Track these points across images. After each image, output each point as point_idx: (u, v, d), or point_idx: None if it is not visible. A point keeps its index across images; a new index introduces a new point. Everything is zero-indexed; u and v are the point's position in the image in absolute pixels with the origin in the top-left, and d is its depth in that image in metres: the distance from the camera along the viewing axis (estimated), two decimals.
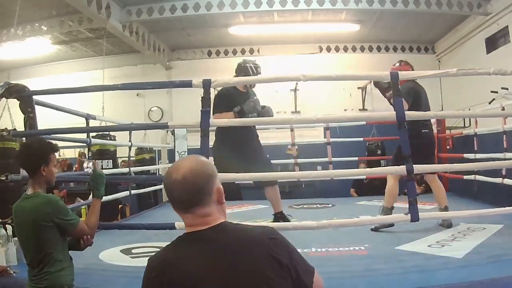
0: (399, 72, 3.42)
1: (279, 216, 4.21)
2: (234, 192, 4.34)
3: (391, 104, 4.00)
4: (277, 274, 1.20)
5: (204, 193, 1.25)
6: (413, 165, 3.17)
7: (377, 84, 4.29)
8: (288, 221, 4.14)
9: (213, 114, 3.94)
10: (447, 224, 4.07)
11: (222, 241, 1.22)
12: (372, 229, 4.01)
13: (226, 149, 4.00)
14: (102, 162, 6.21)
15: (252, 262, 1.19)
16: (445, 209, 4.16)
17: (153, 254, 1.28)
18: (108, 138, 6.26)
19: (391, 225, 3.98)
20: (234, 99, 4.08)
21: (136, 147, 7.33)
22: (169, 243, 1.29)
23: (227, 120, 3.75)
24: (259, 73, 4.30)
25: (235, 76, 4.19)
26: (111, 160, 6.30)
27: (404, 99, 3.86)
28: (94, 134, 5.75)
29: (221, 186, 1.31)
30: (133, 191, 5.81)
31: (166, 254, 1.25)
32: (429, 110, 4.22)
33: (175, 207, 1.28)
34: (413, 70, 4.25)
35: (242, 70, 4.26)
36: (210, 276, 1.17)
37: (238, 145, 4.04)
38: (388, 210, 4.08)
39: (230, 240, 1.23)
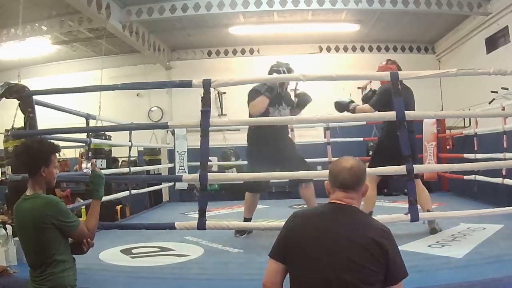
0: (399, 72, 3.41)
1: None
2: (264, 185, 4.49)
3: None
4: (379, 260, 1.56)
5: (359, 183, 1.73)
6: (413, 165, 3.18)
7: (339, 104, 4.45)
8: None
9: (248, 106, 4.10)
10: (438, 229, 3.89)
11: (351, 215, 1.67)
12: None
13: (257, 148, 4.09)
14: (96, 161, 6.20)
15: (365, 242, 1.57)
16: (428, 212, 3.96)
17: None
18: (103, 138, 6.25)
19: None
20: (259, 91, 4.09)
21: (146, 148, 7.37)
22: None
23: (226, 120, 3.75)
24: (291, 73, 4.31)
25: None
26: (105, 160, 6.28)
27: (372, 104, 3.90)
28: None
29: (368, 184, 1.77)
30: (133, 191, 5.80)
31: (310, 209, 1.82)
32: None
33: (335, 184, 1.73)
34: (400, 69, 4.20)
35: (275, 72, 4.29)
36: (327, 234, 1.60)
37: (269, 144, 4.08)
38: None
39: (357, 218, 1.68)
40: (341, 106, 4.37)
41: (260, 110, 4.04)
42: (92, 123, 4.95)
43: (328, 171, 1.85)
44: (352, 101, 4.34)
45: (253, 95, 4.07)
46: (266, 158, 3.97)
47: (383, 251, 1.57)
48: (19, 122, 3.83)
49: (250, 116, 4.10)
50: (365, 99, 4.30)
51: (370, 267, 1.53)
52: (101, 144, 6.25)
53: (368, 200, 4.09)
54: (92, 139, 4.97)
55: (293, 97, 4.48)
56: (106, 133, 6.41)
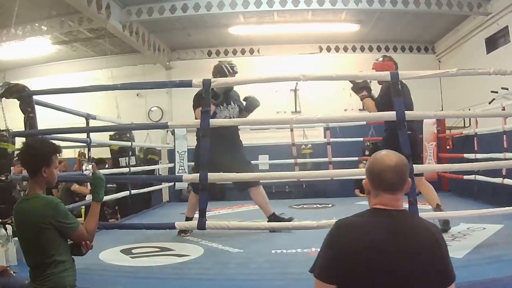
0: (399, 72, 3.41)
1: (272, 219, 4.13)
2: (219, 192, 4.43)
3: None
4: (436, 266, 1.45)
5: (405, 181, 1.53)
6: (413, 165, 3.17)
7: (353, 83, 4.19)
8: (283, 220, 4.11)
9: (194, 112, 4.08)
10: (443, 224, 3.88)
11: (405, 225, 1.48)
12: None
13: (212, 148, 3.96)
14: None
15: (425, 251, 1.44)
16: (438, 207, 3.93)
17: (342, 218, 1.54)
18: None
19: None
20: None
21: (143, 148, 7.36)
22: (359, 212, 1.53)
23: (227, 120, 3.74)
24: (235, 72, 4.35)
25: (212, 77, 4.19)
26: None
27: (376, 103, 3.88)
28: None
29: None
30: (133, 191, 5.80)
31: (355, 218, 1.51)
32: (412, 109, 3.96)
33: (381, 186, 1.52)
34: (396, 66, 4.19)
35: (219, 71, 4.32)
36: (387, 248, 1.40)
37: (220, 145, 3.92)
38: None
39: (412, 227, 1.49)
40: (353, 85, 4.20)
41: (226, 123, 4.01)
42: (92, 123, 4.94)
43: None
44: (365, 87, 4.13)
45: (198, 100, 3.94)
46: (217, 158, 3.77)
47: (442, 253, 1.51)
48: (15, 123, 3.83)
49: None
50: (356, 85, 4.19)
51: (436, 276, 1.44)
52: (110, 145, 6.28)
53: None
54: (92, 139, 4.96)
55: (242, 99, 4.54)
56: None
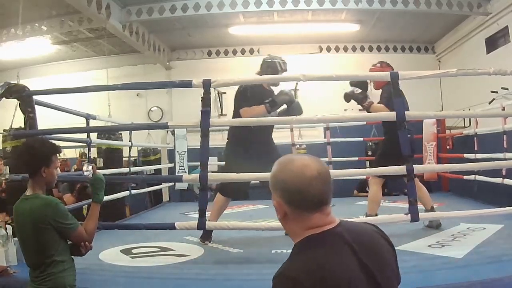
0: (399, 72, 3.41)
1: None
2: (244, 192, 4.20)
3: (368, 111, 4.01)
4: (395, 267, 1.29)
5: (332, 190, 1.20)
6: (413, 165, 3.18)
7: (351, 96, 4.13)
8: None
9: (239, 108, 3.86)
10: (436, 225, 4.02)
11: (354, 239, 1.18)
12: None
13: (241, 149, 3.87)
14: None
15: (385, 257, 1.24)
16: (432, 209, 4.08)
17: (285, 267, 1.14)
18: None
19: None
20: (261, 94, 3.93)
21: (140, 149, 7.36)
22: (295, 249, 1.19)
23: (226, 120, 3.74)
24: (286, 70, 4.09)
25: (259, 72, 4.03)
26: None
27: (385, 104, 3.87)
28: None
29: None
30: (133, 191, 5.80)
31: (304, 262, 1.13)
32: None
33: (307, 205, 1.17)
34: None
35: (269, 66, 4.02)
36: (357, 275, 1.13)
37: (254, 145, 3.89)
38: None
39: (360, 238, 1.20)
40: (353, 98, 4.13)
41: (254, 117, 3.83)
42: (92, 123, 4.94)
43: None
44: (365, 96, 4.09)
45: (251, 99, 3.85)
46: (253, 158, 3.71)
47: (392, 247, 1.32)
48: (18, 122, 3.83)
49: (239, 117, 3.86)
50: (355, 97, 4.18)
51: (396, 274, 1.30)
52: (100, 144, 6.26)
53: (373, 203, 4.10)
54: (93, 139, 4.96)
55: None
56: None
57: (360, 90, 4.07)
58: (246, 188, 4.35)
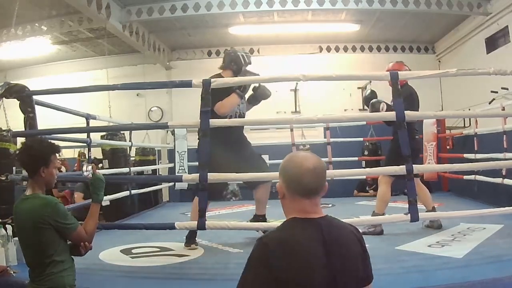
0: (398, 72, 3.41)
1: (261, 220, 3.92)
2: (219, 192, 4.05)
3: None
4: (363, 267, 1.42)
5: (324, 185, 1.45)
6: (413, 165, 3.18)
7: (376, 109, 4.07)
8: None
9: (213, 105, 3.59)
10: (436, 225, 4.04)
11: (330, 231, 1.39)
12: None
13: (218, 148, 3.62)
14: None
15: (351, 255, 1.40)
16: (433, 209, 4.12)
17: (265, 235, 1.42)
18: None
19: (381, 233, 3.93)
20: (227, 87, 3.70)
21: (138, 149, 7.34)
22: (280, 225, 1.43)
23: (226, 120, 3.72)
24: (250, 63, 3.95)
25: (222, 66, 3.94)
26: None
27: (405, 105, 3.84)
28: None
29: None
30: (133, 191, 5.80)
31: (281, 233, 1.40)
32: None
33: (299, 192, 1.42)
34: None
35: (232, 59, 3.88)
36: (317, 260, 1.33)
37: (230, 143, 3.76)
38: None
39: (336, 232, 1.41)
40: (372, 106, 4.10)
41: (231, 109, 3.70)
42: (92, 123, 4.94)
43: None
44: (380, 101, 4.07)
45: (220, 93, 3.58)
46: (229, 157, 3.60)
47: (364, 251, 1.45)
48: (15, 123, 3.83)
49: (214, 115, 3.55)
50: (365, 101, 4.22)
51: (362, 279, 1.42)
52: (104, 145, 6.27)
53: (382, 202, 4.11)
54: (92, 139, 4.96)
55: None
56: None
57: (385, 108, 3.99)
58: (223, 188, 4.21)
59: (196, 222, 3.26)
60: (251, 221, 3.94)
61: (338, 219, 1.49)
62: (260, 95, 4.01)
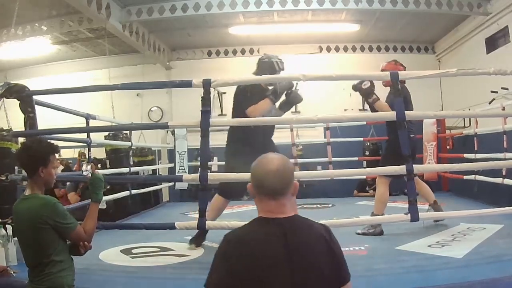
0: (399, 72, 3.41)
1: None
2: (241, 191, 4.07)
3: (373, 108, 3.99)
4: (328, 268, 1.41)
5: (289, 185, 1.47)
6: (413, 165, 3.18)
7: (358, 89, 4.08)
8: None
9: (243, 108, 3.73)
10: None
11: (293, 232, 1.42)
12: (358, 233, 3.95)
13: (241, 150, 3.70)
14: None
15: (313, 256, 1.40)
16: (435, 203, 4.25)
17: (232, 231, 1.51)
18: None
19: (381, 233, 3.94)
20: (261, 91, 3.80)
21: (137, 150, 7.34)
22: (246, 223, 1.49)
23: (227, 120, 3.73)
24: (283, 69, 3.95)
25: (256, 72, 3.94)
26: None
27: (390, 104, 3.84)
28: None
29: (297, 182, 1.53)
30: (133, 191, 5.80)
31: (243, 230, 1.48)
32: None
33: (263, 193, 1.47)
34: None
35: (267, 66, 3.89)
36: (276, 258, 1.38)
37: (254, 146, 3.67)
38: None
39: (299, 233, 1.44)
40: (360, 91, 4.07)
41: (262, 114, 3.72)
42: (92, 123, 4.94)
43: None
44: (372, 91, 4.01)
45: (253, 96, 3.71)
46: (253, 159, 3.62)
47: (335, 256, 1.44)
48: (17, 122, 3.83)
49: (244, 116, 3.71)
50: (363, 90, 4.13)
51: (325, 279, 1.40)
52: (106, 145, 6.29)
53: (380, 203, 4.11)
54: (92, 139, 4.96)
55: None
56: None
57: (368, 84, 3.98)
58: (244, 188, 4.23)
59: (197, 222, 3.27)
60: None
61: (308, 219, 1.50)
62: (292, 99, 4.00)
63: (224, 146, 4.01)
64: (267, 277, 1.36)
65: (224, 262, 1.41)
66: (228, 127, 4.16)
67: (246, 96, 3.76)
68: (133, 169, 6.96)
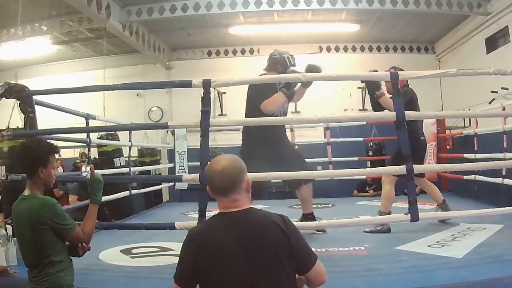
0: (399, 72, 3.41)
1: (310, 218, 3.92)
2: (264, 191, 4.12)
3: (375, 105, 4.01)
4: (286, 254, 1.51)
5: (237, 182, 1.59)
6: (413, 165, 3.18)
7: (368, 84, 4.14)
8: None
9: (256, 105, 3.75)
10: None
11: (247, 222, 1.55)
12: (366, 231, 3.97)
13: (256, 148, 3.78)
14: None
15: (268, 243, 1.51)
16: (444, 202, 4.33)
17: (193, 227, 1.73)
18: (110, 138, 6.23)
19: (388, 231, 3.95)
20: (271, 85, 3.80)
21: (138, 150, 7.35)
22: (207, 220, 1.66)
23: (227, 120, 3.73)
24: (294, 65, 3.99)
25: (267, 68, 3.94)
26: None
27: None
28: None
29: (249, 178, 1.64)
30: (133, 191, 5.80)
31: (202, 226, 1.66)
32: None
33: (214, 191, 1.62)
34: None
35: (279, 62, 3.93)
36: (233, 248, 1.50)
37: (269, 143, 3.82)
38: (386, 215, 4.05)
39: (253, 222, 1.56)
40: (366, 85, 4.13)
41: (277, 108, 3.74)
42: (92, 123, 4.93)
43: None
44: (379, 86, 4.00)
45: (266, 91, 3.71)
46: (268, 157, 3.68)
47: (289, 239, 1.53)
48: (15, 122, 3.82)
49: (259, 113, 3.73)
50: (371, 85, 4.13)
51: (283, 265, 1.50)
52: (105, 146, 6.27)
53: (387, 200, 4.16)
54: (92, 139, 4.96)
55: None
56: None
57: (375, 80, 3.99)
58: (267, 188, 4.28)
59: (196, 221, 3.26)
60: (300, 220, 3.89)
61: (263, 210, 1.64)
62: (311, 70, 3.95)
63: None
64: (225, 266, 1.49)
65: (186, 255, 1.57)
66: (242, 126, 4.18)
67: (258, 92, 3.77)
68: (142, 168, 7.01)
